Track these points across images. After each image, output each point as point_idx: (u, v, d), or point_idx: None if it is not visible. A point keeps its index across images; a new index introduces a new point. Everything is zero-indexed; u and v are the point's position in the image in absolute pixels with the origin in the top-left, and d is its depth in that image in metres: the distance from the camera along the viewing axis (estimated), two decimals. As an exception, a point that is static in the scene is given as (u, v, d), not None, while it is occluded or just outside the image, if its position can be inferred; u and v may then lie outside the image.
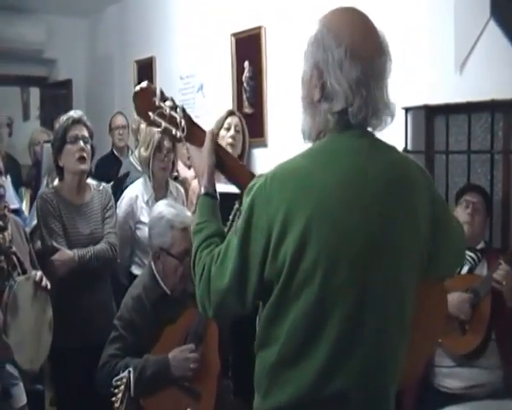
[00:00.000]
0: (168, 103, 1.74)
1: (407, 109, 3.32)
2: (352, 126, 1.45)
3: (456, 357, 2.74)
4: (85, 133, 3.13)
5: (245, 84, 4.49)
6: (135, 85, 6.16)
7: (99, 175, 4.01)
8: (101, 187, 3.31)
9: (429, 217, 1.50)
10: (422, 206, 1.49)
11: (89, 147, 3.13)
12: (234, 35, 4.60)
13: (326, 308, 1.39)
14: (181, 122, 1.73)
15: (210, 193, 1.68)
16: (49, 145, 4.42)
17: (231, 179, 1.79)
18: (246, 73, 4.49)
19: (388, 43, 1.49)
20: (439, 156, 3.36)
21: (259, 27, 4.35)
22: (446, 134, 3.29)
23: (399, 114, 3.36)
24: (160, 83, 5.58)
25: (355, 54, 1.41)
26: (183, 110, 1.75)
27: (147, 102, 1.73)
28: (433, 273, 1.58)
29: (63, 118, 3.20)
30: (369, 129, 1.49)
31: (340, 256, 1.38)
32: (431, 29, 3.26)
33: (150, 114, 1.73)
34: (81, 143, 3.09)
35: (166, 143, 3.39)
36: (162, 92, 1.75)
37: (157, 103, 1.72)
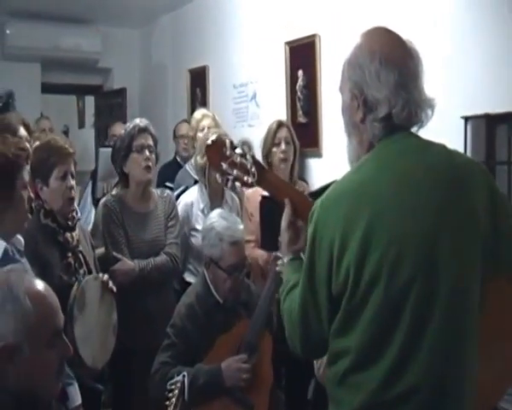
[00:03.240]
0: (238, 151, 1.84)
1: (466, 118, 3.22)
2: (397, 129, 1.52)
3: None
4: (151, 142, 3.18)
5: (299, 93, 4.45)
6: (188, 93, 6.18)
7: (162, 182, 4.03)
8: (165, 194, 3.33)
9: (488, 212, 1.51)
10: (480, 201, 1.50)
11: (153, 156, 3.18)
12: (288, 43, 4.57)
13: (393, 311, 1.43)
14: (251, 168, 1.82)
15: (292, 258, 1.75)
16: (104, 150, 4.48)
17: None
18: (300, 82, 4.45)
19: (418, 50, 1.56)
20: (500, 167, 3.24)
21: (314, 35, 4.31)
22: (509, 144, 3.18)
23: (458, 124, 3.28)
24: (213, 91, 5.62)
25: (389, 61, 1.50)
26: (253, 157, 1.85)
27: (218, 153, 1.84)
28: (501, 272, 1.59)
29: (129, 125, 3.24)
30: (414, 128, 1.55)
31: (401, 259, 1.42)
32: (492, 34, 3.17)
33: (222, 164, 1.83)
34: (147, 152, 3.14)
35: None
36: (232, 142, 1.86)
37: (228, 153, 1.82)
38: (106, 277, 2.70)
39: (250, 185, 1.84)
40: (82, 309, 2.51)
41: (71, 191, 2.71)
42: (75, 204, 2.83)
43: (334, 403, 1.55)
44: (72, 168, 2.74)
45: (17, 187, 2.16)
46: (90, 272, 2.74)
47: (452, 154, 1.57)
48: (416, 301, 1.42)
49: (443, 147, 1.57)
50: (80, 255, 2.73)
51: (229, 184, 1.87)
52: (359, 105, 1.53)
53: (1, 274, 1.63)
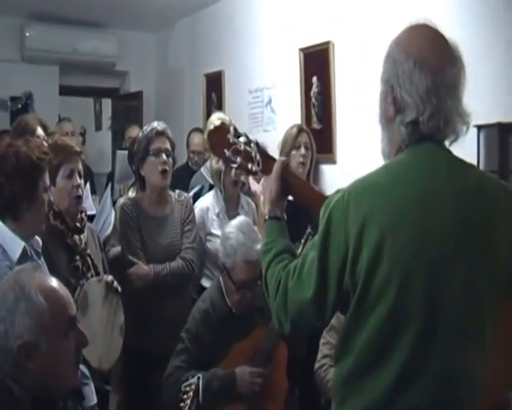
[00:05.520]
0: (242, 139, 1.76)
1: (479, 127, 3.23)
2: (426, 138, 1.46)
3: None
4: (168, 146, 3.16)
5: (313, 100, 4.48)
6: (204, 98, 6.19)
7: (174, 186, 4.08)
8: (182, 197, 3.31)
9: (510, 239, 1.47)
10: (502, 226, 1.47)
11: (171, 160, 3.17)
12: (302, 50, 4.61)
13: (399, 323, 1.40)
14: (256, 156, 1.75)
15: (273, 217, 1.70)
16: (121, 152, 4.51)
17: (302, 204, 1.80)
18: (314, 89, 4.49)
19: (461, 54, 1.50)
20: (513, 176, 3.26)
21: (328, 42, 4.35)
22: (521, 153, 3.20)
23: (471, 133, 3.26)
24: (229, 96, 5.67)
25: (424, 65, 1.44)
26: (257, 144, 1.78)
27: (221, 139, 1.76)
28: None
29: (147, 128, 3.22)
30: (446, 142, 1.50)
31: (414, 271, 1.39)
32: (504, 43, 3.19)
33: (225, 151, 1.76)
34: (164, 156, 3.12)
35: None
36: (236, 129, 1.78)
37: (231, 140, 1.75)
38: (110, 278, 2.68)
39: (254, 174, 1.78)
40: (85, 312, 2.51)
41: (78, 190, 2.69)
42: (91, 204, 2.80)
43: (336, 402, 1.53)
44: (80, 167, 2.73)
45: (39, 189, 2.20)
46: (97, 275, 2.71)
47: (483, 179, 1.52)
48: (423, 320, 1.39)
49: (473, 167, 1.52)
50: (88, 259, 2.71)
51: (233, 172, 1.82)
52: (391, 102, 1.49)
53: (11, 275, 1.65)
